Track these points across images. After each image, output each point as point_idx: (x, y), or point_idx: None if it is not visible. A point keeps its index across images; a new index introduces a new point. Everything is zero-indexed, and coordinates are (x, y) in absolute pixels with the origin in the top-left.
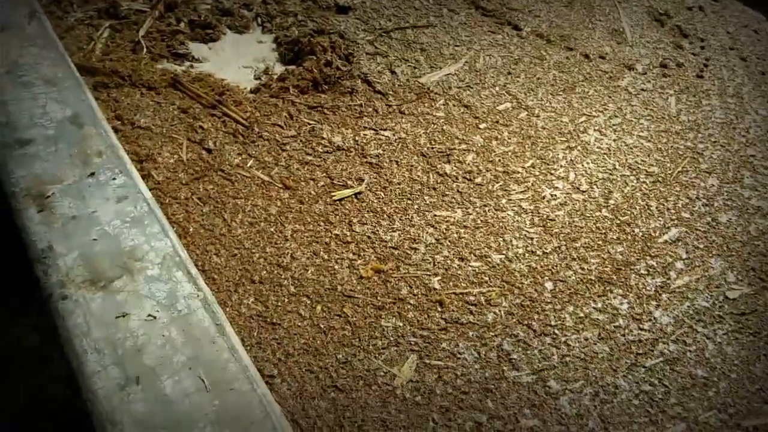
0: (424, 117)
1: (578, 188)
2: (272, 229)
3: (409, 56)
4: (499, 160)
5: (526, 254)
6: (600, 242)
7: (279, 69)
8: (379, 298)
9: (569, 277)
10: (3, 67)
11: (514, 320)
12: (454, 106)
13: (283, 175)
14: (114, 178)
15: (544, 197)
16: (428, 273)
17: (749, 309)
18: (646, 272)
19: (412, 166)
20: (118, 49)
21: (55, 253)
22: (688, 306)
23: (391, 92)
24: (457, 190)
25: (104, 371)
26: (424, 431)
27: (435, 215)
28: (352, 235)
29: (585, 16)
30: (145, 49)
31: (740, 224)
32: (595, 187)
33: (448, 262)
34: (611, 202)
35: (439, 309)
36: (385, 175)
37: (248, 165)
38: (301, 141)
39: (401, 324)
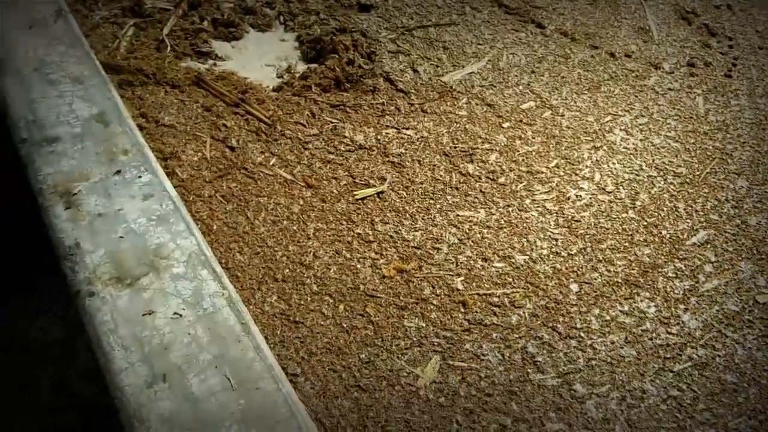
0: (447, 116)
1: (604, 189)
2: (295, 228)
3: (431, 54)
4: (523, 160)
5: (551, 255)
6: (626, 244)
7: (301, 67)
8: (401, 297)
9: (595, 279)
10: (31, 65)
11: (539, 322)
12: (476, 105)
13: (306, 173)
14: (140, 176)
15: (569, 198)
16: (451, 273)
17: None
18: (674, 275)
19: (434, 165)
20: (143, 48)
21: (82, 251)
22: (717, 310)
23: (413, 91)
24: (480, 190)
25: (131, 368)
26: None
27: (458, 215)
28: (374, 235)
29: (610, 13)
30: (169, 48)
31: None
32: (621, 187)
33: (471, 262)
34: (638, 203)
35: (462, 310)
36: (408, 174)
37: (271, 163)
38: (323, 139)
39: (424, 324)
